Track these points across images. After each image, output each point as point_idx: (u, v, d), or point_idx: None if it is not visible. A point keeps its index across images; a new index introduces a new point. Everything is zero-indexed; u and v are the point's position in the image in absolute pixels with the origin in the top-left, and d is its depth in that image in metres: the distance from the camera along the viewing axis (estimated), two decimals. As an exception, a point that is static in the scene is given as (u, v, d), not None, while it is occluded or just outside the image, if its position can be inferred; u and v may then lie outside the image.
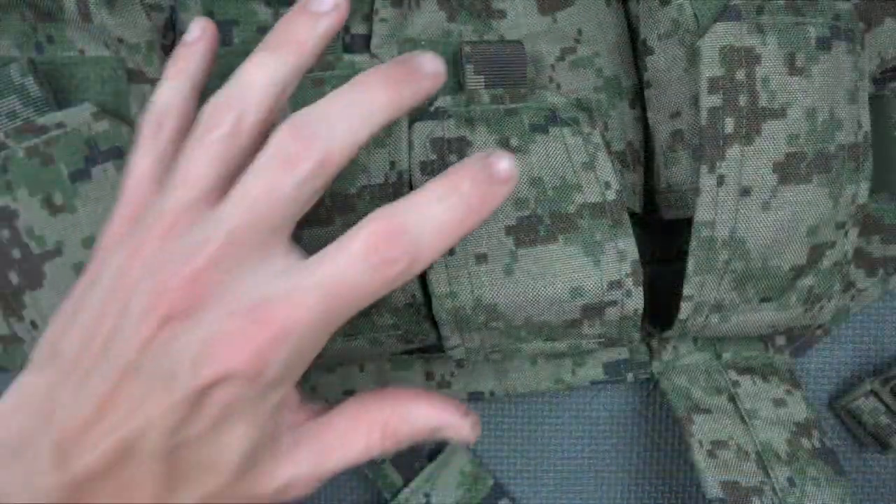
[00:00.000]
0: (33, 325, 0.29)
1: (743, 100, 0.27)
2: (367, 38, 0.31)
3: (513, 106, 0.30)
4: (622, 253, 0.28)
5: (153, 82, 0.30)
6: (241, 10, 0.31)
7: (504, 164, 0.24)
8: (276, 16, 0.31)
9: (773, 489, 0.30)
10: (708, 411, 0.32)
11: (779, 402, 0.32)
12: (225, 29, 0.30)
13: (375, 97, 0.24)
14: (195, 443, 0.23)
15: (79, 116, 0.29)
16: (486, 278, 0.27)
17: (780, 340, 0.34)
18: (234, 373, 0.22)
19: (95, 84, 0.30)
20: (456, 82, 0.31)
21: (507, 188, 0.24)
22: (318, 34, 0.24)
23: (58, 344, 0.24)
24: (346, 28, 0.30)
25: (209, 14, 0.30)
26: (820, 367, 0.36)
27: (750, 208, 0.27)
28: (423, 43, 0.31)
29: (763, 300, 0.29)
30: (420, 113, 0.30)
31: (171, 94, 0.27)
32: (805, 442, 0.31)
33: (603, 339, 0.30)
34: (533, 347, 0.30)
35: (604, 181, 0.28)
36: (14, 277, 0.29)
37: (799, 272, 0.29)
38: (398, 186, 0.29)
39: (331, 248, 0.23)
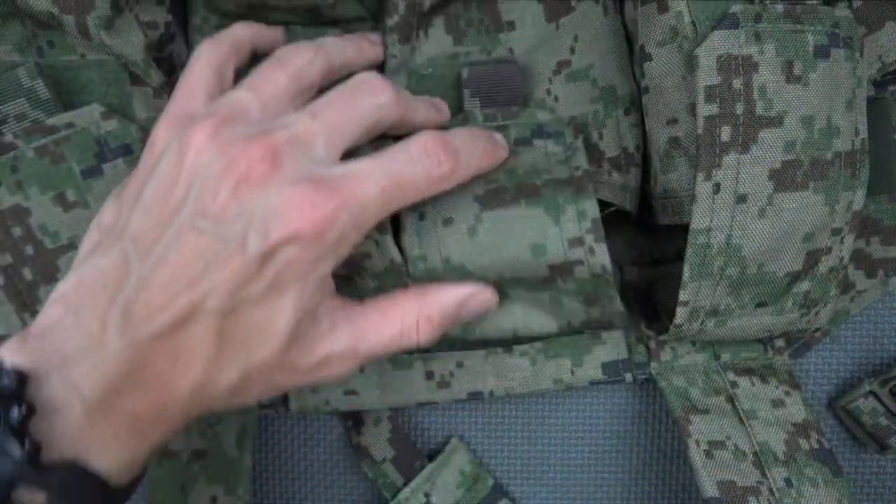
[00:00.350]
0: None
1: (740, 108, 0.27)
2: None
3: (503, 123, 0.31)
4: (582, 213, 0.28)
5: (154, 88, 0.31)
6: None
7: (499, 136, 0.30)
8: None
9: (770, 489, 0.30)
10: (706, 411, 0.32)
11: (777, 403, 0.33)
12: None
13: (421, 108, 0.30)
14: (251, 305, 0.25)
15: (88, 116, 0.30)
16: (452, 239, 0.28)
17: (780, 342, 0.34)
18: (301, 234, 0.24)
19: (100, 87, 0.31)
20: (457, 104, 0.32)
21: (503, 153, 0.30)
22: (372, 54, 0.31)
23: (121, 226, 0.26)
24: None
25: None
26: (819, 367, 0.36)
27: (746, 215, 0.27)
28: (429, 70, 0.32)
29: (759, 305, 0.30)
30: None
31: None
32: (803, 443, 0.31)
33: (583, 297, 0.30)
34: (518, 295, 0.30)
35: (574, 166, 0.29)
36: (28, 273, 0.30)
37: (795, 278, 0.29)
38: None
39: (389, 149, 0.27)
